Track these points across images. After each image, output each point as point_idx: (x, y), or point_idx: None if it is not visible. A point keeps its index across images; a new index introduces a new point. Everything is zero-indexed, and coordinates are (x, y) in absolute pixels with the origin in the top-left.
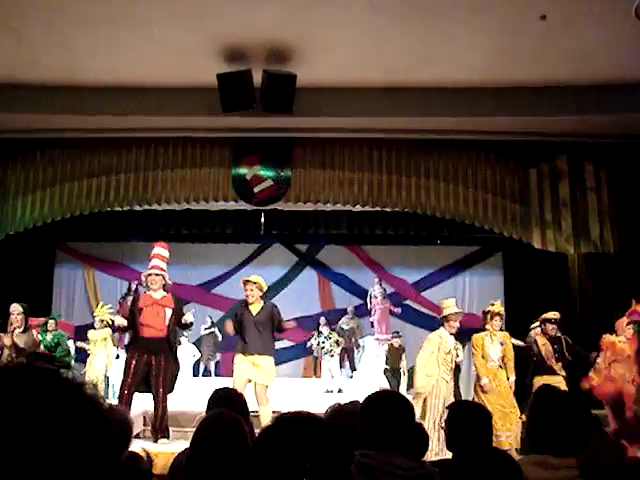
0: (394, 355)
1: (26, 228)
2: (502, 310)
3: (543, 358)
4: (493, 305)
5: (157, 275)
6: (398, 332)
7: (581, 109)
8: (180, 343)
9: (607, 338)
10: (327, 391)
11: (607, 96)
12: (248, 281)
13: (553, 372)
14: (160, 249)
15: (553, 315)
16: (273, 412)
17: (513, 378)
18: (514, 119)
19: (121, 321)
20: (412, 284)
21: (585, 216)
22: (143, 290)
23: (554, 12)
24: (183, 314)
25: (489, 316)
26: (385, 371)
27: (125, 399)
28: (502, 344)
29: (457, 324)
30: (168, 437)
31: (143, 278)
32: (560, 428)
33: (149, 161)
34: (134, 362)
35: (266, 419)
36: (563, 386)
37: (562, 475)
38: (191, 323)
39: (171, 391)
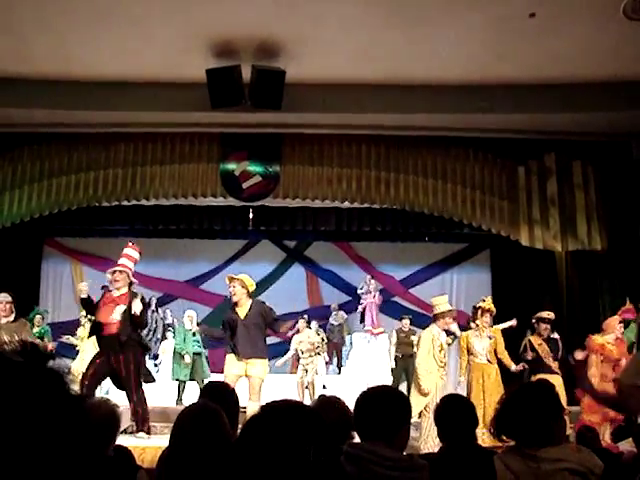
0: (403, 339)
1: (13, 223)
2: (492, 307)
3: (540, 357)
4: (484, 301)
5: (121, 272)
6: (409, 315)
7: (569, 107)
8: (166, 338)
9: (595, 340)
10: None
11: (595, 94)
12: (232, 278)
13: (551, 371)
14: (128, 250)
15: (547, 315)
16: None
17: (514, 367)
18: (502, 117)
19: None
20: (400, 281)
21: (573, 213)
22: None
23: (543, 10)
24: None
25: (479, 312)
26: (396, 359)
27: (84, 389)
28: (490, 338)
29: (450, 321)
30: (148, 433)
31: (109, 276)
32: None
33: (137, 156)
34: (99, 360)
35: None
36: (561, 386)
37: (549, 468)
38: (142, 314)
39: (141, 384)
